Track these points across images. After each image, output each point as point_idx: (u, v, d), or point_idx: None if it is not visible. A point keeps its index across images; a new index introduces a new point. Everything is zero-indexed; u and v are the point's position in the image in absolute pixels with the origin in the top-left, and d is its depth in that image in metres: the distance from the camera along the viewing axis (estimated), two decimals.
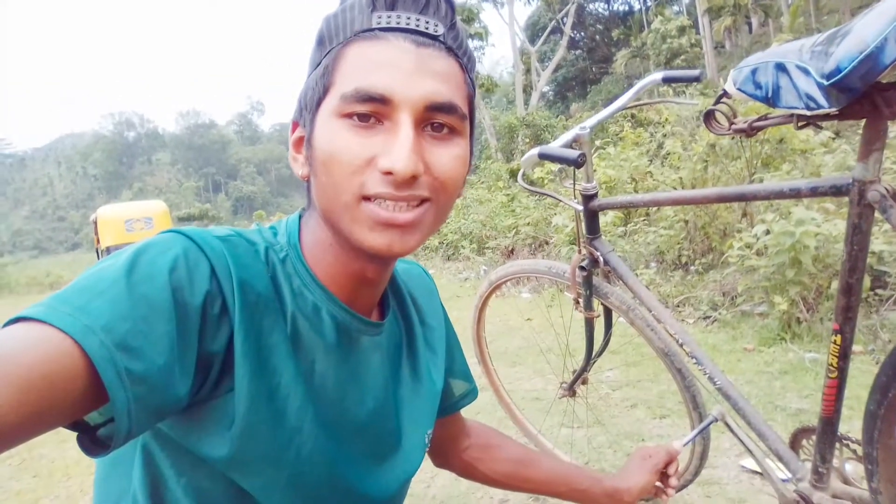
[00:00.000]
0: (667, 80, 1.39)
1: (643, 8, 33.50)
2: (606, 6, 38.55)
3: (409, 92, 0.54)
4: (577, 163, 1.10)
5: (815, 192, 0.90)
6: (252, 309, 0.57)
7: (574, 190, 1.40)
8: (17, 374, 0.41)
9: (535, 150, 1.24)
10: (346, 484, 0.67)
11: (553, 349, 1.91)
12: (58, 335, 0.44)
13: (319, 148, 0.57)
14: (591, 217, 1.42)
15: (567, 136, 1.35)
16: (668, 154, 5.60)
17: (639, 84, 1.44)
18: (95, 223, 14.69)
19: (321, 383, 0.64)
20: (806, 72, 0.79)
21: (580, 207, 1.35)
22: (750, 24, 30.00)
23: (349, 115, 0.55)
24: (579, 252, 1.49)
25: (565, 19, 19.42)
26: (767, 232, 3.40)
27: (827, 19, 22.61)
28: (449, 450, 0.98)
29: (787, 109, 0.85)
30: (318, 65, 0.59)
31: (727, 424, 1.15)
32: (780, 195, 0.94)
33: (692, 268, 4.60)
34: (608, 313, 1.60)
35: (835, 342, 0.93)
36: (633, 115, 11.50)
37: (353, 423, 0.68)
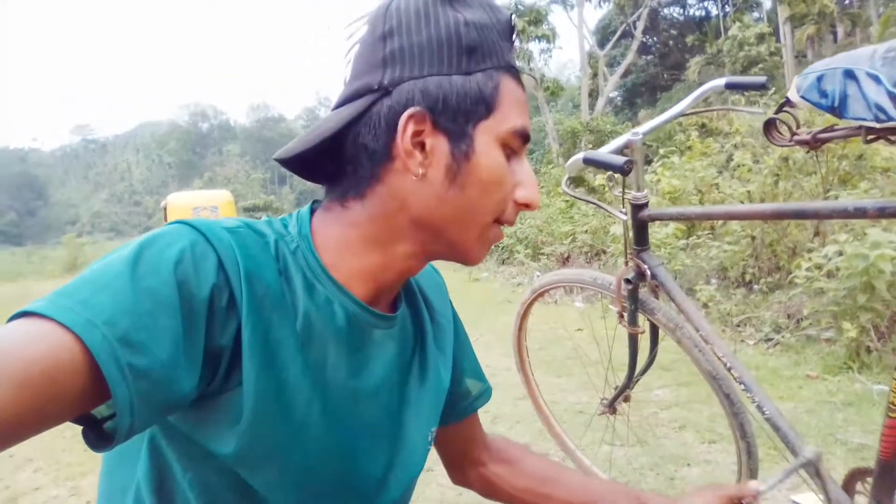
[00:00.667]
0: (730, 87, 1.31)
1: (721, 14, 32.32)
2: (682, 11, 37.39)
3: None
4: (623, 170, 1.04)
5: (882, 213, 0.81)
6: (260, 302, 0.56)
7: (623, 199, 1.34)
8: (15, 371, 0.40)
9: (581, 155, 1.19)
10: (354, 481, 0.66)
11: (600, 363, 1.84)
12: (59, 330, 0.43)
13: (484, 168, 0.59)
14: (640, 228, 1.35)
15: (618, 142, 1.29)
16: (738, 166, 5.36)
17: (700, 89, 1.37)
18: (165, 209, 15.39)
19: (333, 377, 0.62)
20: (877, 80, 0.71)
21: (624, 217, 1.29)
22: (835, 34, 28.48)
23: (506, 146, 0.60)
24: (626, 264, 1.43)
25: (637, 23, 18.94)
26: (840, 253, 3.20)
27: None
28: (466, 463, 0.93)
29: (854, 121, 0.77)
30: (466, 73, 0.58)
31: (819, 473, 1.01)
32: (844, 214, 0.86)
33: (756, 287, 4.38)
34: (654, 330, 1.52)
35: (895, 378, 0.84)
36: (703, 125, 11.10)
37: (362, 419, 0.66)
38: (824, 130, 0.86)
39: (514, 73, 0.62)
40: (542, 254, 7.95)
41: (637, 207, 1.33)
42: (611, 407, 1.71)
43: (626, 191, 1.33)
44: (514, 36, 0.63)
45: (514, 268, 8.50)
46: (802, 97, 0.84)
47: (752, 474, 1.39)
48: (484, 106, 0.58)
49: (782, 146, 0.94)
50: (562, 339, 3.98)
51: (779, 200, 4.46)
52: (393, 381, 0.70)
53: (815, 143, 0.87)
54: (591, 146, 12.87)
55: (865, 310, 2.90)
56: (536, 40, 13.27)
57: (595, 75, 16.77)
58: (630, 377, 1.61)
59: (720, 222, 5.00)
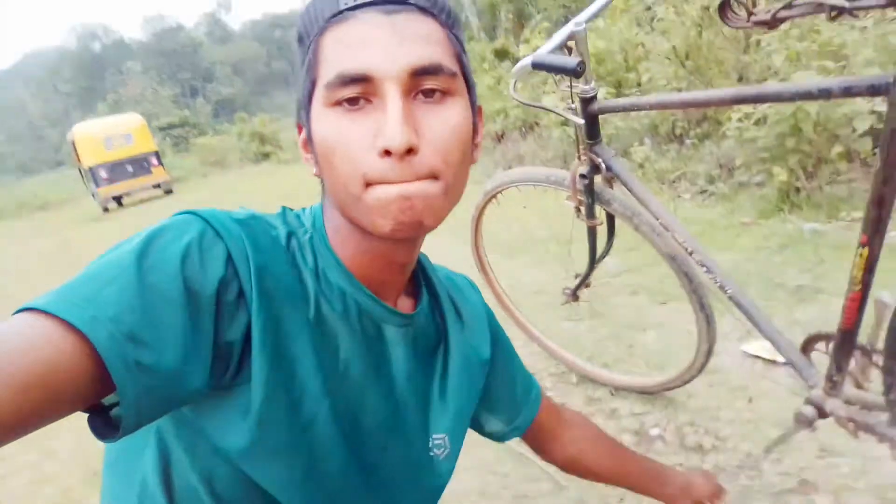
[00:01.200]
0: None
1: None
2: None
3: (389, 63, 0.52)
4: (576, 72, 0.99)
5: (848, 93, 0.80)
6: (271, 295, 0.55)
7: (571, 93, 1.28)
8: (18, 368, 0.40)
9: (528, 60, 1.12)
10: (367, 484, 0.66)
11: (553, 239, 1.85)
12: (63, 327, 0.43)
13: (317, 142, 0.56)
14: (592, 121, 1.32)
15: (561, 35, 1.21)
16: (660, 20, 5.26)
17: None
18: (73, 144, 14.23)
19: (344, 372, 0.62)
20: None
21: (581, 121, 1.24)
22: None
23: (338, 103, 0.54)
24: (579, 158, 1.40)
25: None
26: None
27: None
28: (548, 443, 0.96)
29: None
30: (302, 63, 0.58)
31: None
32: (808, 96, 0.84)
33: (687, 141, 4.48)
34: (611, 220, 1.54)
35: (861, 255, 0.87)
36: None
37: (374, 416, 0.66)
38: (784, 7, 0.81)
39: (342, 16, 0.54)
40: None
41: (586, 101, 1.28)
42: (573, 295, 1.76)
43: (575, 84, 1.27)
44: None
45: None
46: None
47: (711, 341, 1.47)
48: (310, 81, 0.57)
49: (739, 27, 0.89)
50: (510, 220, 4.02)
51: (703, 52, 4.45)
52: (410, 381, 0.69)
53: (774, 23, 0.83)
54: (510, 15, 12.33)
55: (794, 152, 3.02)
56: None
57: None
58: (591, 267, 1.65)
59: (647, 78, 4.99)
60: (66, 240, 9.49)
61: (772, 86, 0.90)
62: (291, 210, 0.67)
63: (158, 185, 14.11)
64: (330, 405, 0.61)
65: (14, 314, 0.46)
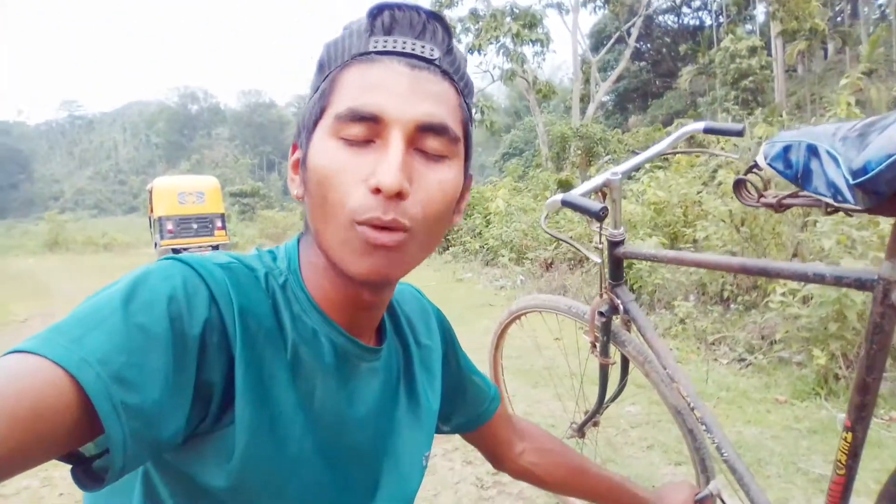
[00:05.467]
0: (708, 132, 1.35)
1: (714, 24, 32.54)
2: (676, 19, 37.55)
3: (400, 112, 0.55)
4: (599, 216, 1.08)
5: (839, 282, 0.85)
6: (253, 338, 0.57)
7: (600, 234, 1.37)
8: (10, 408, 0.40)
9: (559, 197, 1.22)
10: None
11: (574, 376, 1.87)
12: (51, 367, 0.43)
13: (313, 168, 0.57)
14: (616, 263, 1.39)
15: (597, 181, 1.32)
16: (720, 183, 5.42)
17: (679, 132, 1.40)
18: (151, 193, 15.20)
19: (321, 410, 0.63)
20: (836, 161, 0.75)
21: (598, 260, 1.32)
22: (825, 50, 28.81)
23: (343, 137, 0.56)
24: (601, 296, 1.46)
25: (631, 30, 19.01)
26: (838, 242, 3.25)
27: None
28: (503, 454, 0.98)
29: (815, 194, 0.81)
30: (316, 89, 0.61)
31: (722, 502, 1.11)
32: (804, 278, 0.90)
33: (733, 306, 4.45)
34: (625, 361, 1.56)
35: (845, 439, 0.88)
36: (691, 137, 11.17)
37: (351, 451, 0.67)
38: (789, 196, 0.89)
39: (369, 57, 0.57)
40: (527, 258, 7.99)
41: (613, 244, 1.36)
42: (580, 431, 1.75)
43: (604, 228, 1.36)
44: (378, 20, 0.58)
45: (497, 270, 8.54)
46: (769, 164, 0.88)
47: None
48: (319, 108, 0.59)
49: (750, 206, 0.97)
50: (540, 348, 4.02)
51: (759, 221, 4.52)
52: (380, 410, 0.71)
53: (779, 208, 0.91)
54: (580, 151, 12.92)
55: (836, 338, 2.97)
56: (530, 44, 13.30)
57: (587, 81, 16.81)
58: (599, 405, 1.65)
59: (703, 236, 5.07)
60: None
61: (774, 263, 0.96)
62: (265, 250, 0.68)
63: (216, 247, 14.69)
64: (314, 441, 0.62)
65: (3, 356, 0.46)
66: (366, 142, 0.56)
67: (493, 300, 6.59)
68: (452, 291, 7.43)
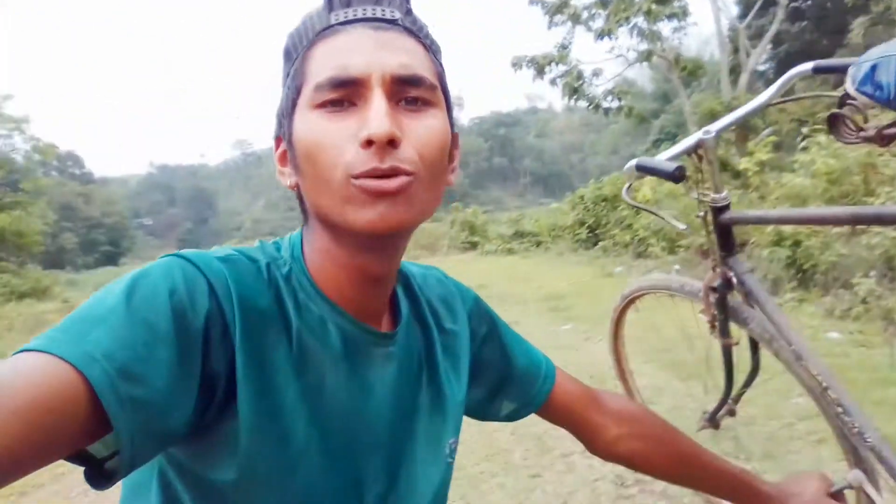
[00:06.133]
0: (819, 71, 1.17)
1: None
2: None
3: (374, 67, 0.56)
4: (675, 177, 0.98)
5: None
6: (254, 328, 0.57)
7: (699, 200, 1.25)
8: (19, 405, 0.41)
9: (633, 162, 1.13)
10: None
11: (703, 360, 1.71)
12: (60, 364, 0.44)
13: (300, 142, 0.58)
14: (724, 232, 1.25)
15: (689, 141, 1.21)
16: None
17: (785, 76, 1.23)
18: None
19: (332, 400, 0.62)
20: None
21: (682, 227, 1.20)
22: None
23: (323, 105, 0.57)
24: (713, 270, 1.33)
25: None
26: None
27: None
28: (591, 439, 0.92)
29: None
30: (287, 75, 0.62)
31: (866, 495, 0.95)
32: None
33: None
34: (753, 341, 1.40)
35: None
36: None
37: (368, 440, 0.66)
38: (891, 124, 0.74)
39: (333, 30, 0.59)
40: (679, 246, 7.48)
41: (718, 210, 1.23)
42: (712, 421, 1.59)
43: (705, 192, 1.24)
44: None
45: (650, 261, 8.09)
46: (858, 90, 0.73)
47: None
48: (294, 89, 0.60)
49: (849, 143, 0.82)
50: (691, 339, 3.73)
51: None
52: (399, 397, 0.69)
53: (882, 141, 0.76)
54: (733, 128, 11.83)
55: None
56: (665, 20, 12.45)
57: (736, 50, 15.39)
58: (728, 391, 1.49)
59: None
60: None
61: (890, 208, 0.80)
62: (270, 242, 0.68)
63: None
64: (321, 433, 0.61)
65: (11, 356, 0.46)
66: (347, 107, 0.57)
67: None
68: (602, 287, 7.16)
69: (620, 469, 2.30)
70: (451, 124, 0.64)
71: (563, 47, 13.14)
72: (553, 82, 13.22)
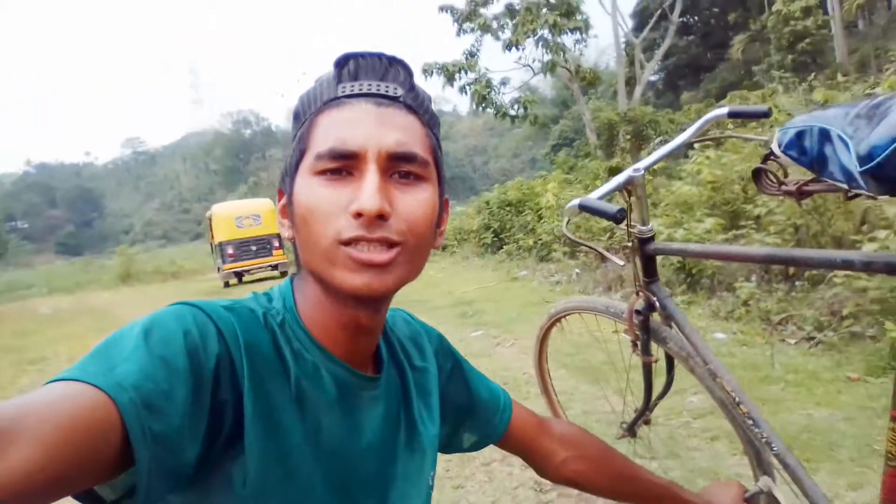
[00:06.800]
0: (733, 115, 1.31)
1: None
2: None
3: (371, 143, 0.60)
4: (617, 219, 1.06)
5: (868, 268, 0.81)
6: (260, 372, 0.60)
7: (628, 231, 1.35)
8: (60, 421, 0.43)
9: (576, 202, 1.21)
10: None
11: (617, 377, 1.84)
12: (94, 390, 0.46)
13: (298, 203, 0.62)
14: (648, 261, 1.36)
15: (619, 179, 1.30)
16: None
17: (702, 119, 1.36)
18: (210, 220, 15.82)
19: (328, 441, 0.66)
20: (847, 146, 0.71)
21: (621, 263, 1.30)
22: (890, 0, 27.03)
23: (322, 172, 0.61)
24: (637, 294, 1.44)
25: (675, 5, 18.32)
26: (884, 248, 3.09)
27: None
28: (542, 464, 0.98)
29: (831, 181, 0.77)
30: (294, 137, 0.67)
31: (775, 499, 1.07)
32: (832, 265, 0.85)
33: (798, 283, 4.25)
34: (670, 358, 1.53)
35: (892, 429, 0.84)
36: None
37: (359, 479, 0.69)
38: (809, 182, 0.86)
39: (339, 101, 0.63)
40: (580, 251, 7.86)
41: (643, 241, 1.34)
42: (630, 431, 1.71)
43: (633, 224, 1.34)
44: (345, 68, 0.64)
45: (552, 265, 8.45)
46: (784, 152, 0.84)
47: None
48: (298, 152, 0.64)
49: (770, 195, 0.94)
50: (598, 343, 3.94)
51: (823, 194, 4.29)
52: (383, 437, 0.73)
53: (800, 195, 0.87)
54: (629, 137, 12.60)
55: None
56: (569, 32, 13.05)
57: (632, 63, 16.36)
58: (647, 403, 1.62)
59: (765, 212, 4.85)
60: None
61: (801, 251, 0.92)
62: (261, 293, 0.72)
63: (276, 267, 15.16)
64: (325, 472, 0.64)
65: (45, 384, 0.48)
66: (344, 176, 0.61)
67: (548, 297, 6.52)
68: (507, 292, 7.41)
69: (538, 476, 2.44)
70: (442, 192, 0.69)
71: (472, 55, 13.44)
72: (462, 90, 13.50)
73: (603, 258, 7.31)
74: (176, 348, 0.53)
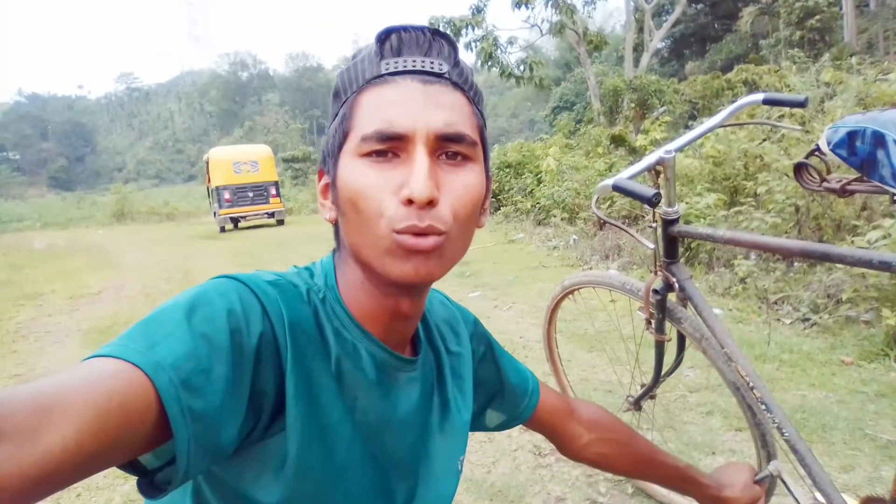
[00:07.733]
0: (767, 103, 1.30)
1: None
2: None
3: (420, 125, 0.59)
4: (652, 202, 1.06)
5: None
6: (303, 350, 0.60)
7: (654, 212, 1.35)
8: (96, 401, 0.43)
9: (610, 182, 1.21)
10: None
11: (631, 338, 1.87)
12: (132, 369, 0.47)
13: (344, 187, 0.61)
14: (671, 241, 1.37)
15: (650, 159, 1.30)
16: (784, 136, 5.17)
17: (736, 103, 1.35)
18: (207, 164, 15.69)
19: (363, 420, 0.66)
20: None
21: (652, 246, 1.31)
22: None
23: (368, 154, 0.60)
24: (655, 274, 1.45)
25: None
26: (886, 236, 3.12)
27: None
28: (566, 445, 1.02)
29: (881, 184, 0.78)
30: (336, 116, 0.65)
31: (784, 483, 1.11)
32: (868, 265, 0.87)
33: (797, 263, 4.30)
34: (681, 337, 1.55)
35: None
36: (752, 82, 10.61)
37: (393, 458, 0.71)
38: (854, 181, 0.86)
39: (383, 79, 0.61)
40: (579, 217, 7.87)
41: (668, 222, 1.34)
42: (636, 405, 1.76)
43: (659, 206, 1.34)
44: (387, 43, 0.61)
45: (550, 230, 8.45)
46: (833, 150, 0.84)
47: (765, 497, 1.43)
48: (342, 132, 0.63)
49: (811, 190, 0.94)
50: (595, 311, 3.99)
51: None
52: (418, 419, 0.74)
53: (843, 193, 0.88)
54: (633, 105, 12.46)
55: None
56: None
57: (640, 29, 16.05)
58: (656, 380, 1.66)
59: (764, 190, 4.87)
60: (185, 254, 10.27)
61: (838, 248, 0.93)
62: (303, 267, 0.72)
63: (272, 215, 15.17)
64: (362, 449, 0.66)
65: (83, 360, 0.49)
66: (391, 158, 0.60)
67: (546, 261, 6.56)
68: (505, 253, 7.44)
69: (538, 438, 2.50)
70: (487, 171, 0.68)
71: (478, 10, 13.14)
72: (468, 46, 13.24)
73: (602, 225, 7.34)
74: (219, 326, 0.53)
